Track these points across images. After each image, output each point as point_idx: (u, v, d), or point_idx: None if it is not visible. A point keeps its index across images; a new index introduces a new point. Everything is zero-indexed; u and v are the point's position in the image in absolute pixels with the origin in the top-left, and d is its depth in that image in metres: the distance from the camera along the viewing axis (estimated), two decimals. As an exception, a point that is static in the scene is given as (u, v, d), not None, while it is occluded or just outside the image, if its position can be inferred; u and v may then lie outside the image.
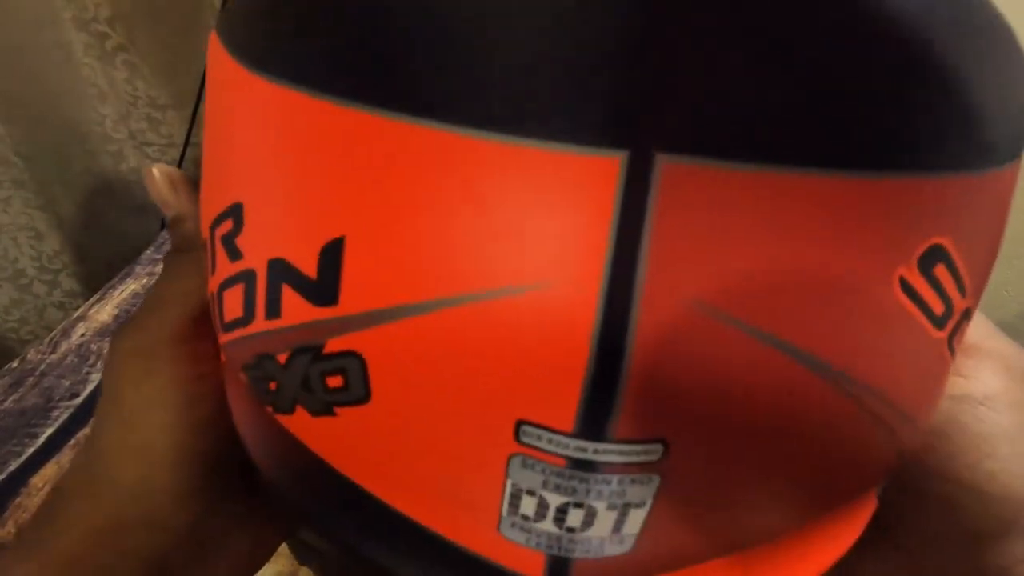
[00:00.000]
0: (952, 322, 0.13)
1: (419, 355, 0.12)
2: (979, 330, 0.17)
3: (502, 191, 0.11)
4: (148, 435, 0.17)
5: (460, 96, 0.11)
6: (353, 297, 0.12)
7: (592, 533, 0.13)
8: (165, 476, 0.17)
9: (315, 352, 0.13)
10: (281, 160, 0.13)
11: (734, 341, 0.11)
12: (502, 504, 0.13)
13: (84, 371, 0.50)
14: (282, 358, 0.13)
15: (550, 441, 0.12)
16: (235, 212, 0.14)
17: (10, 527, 0.39)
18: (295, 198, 0.13)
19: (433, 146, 0.11)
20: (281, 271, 0.13)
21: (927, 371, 0.14)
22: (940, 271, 0.13)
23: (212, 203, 0.15)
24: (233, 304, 0.14)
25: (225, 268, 0.14)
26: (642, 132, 0.10)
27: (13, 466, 0.43)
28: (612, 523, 0.13)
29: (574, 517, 0.13)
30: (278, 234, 0.13)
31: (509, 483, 0.12)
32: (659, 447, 0.12)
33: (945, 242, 0.12)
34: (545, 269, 0.11)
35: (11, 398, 0.48)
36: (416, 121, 0.11)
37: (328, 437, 0.14)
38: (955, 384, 0.16)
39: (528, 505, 0.13)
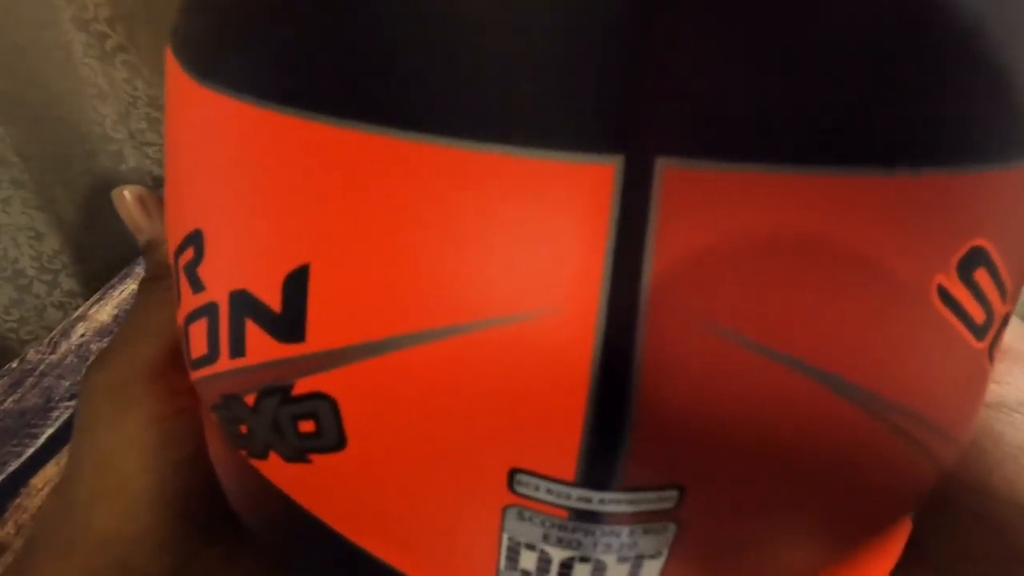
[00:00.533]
0: (993, 330, 0.12)
1: (395, 397, 0.10)
2: (1010, 332, 0.16)
3: (484, 207, 0.10)
4: (124, 477, 0.16)
5: (433, 103, 0.09)
6: (321, 333, 0.11)
7: None
8: (143, 520, 0.16)
9: (283, 394, 0.11)
10: (238, 181, 0.12)
11: (754, 367, 0.10)
12: (499, 559, 0.12)
13: (84, 371, 0.50)
14: (250, 400, 0.12)
15: (549, 491, 0.10)
16: (195, 239, 0.13)
17: (10, 528, 0.39)
18: (254, 222, 0.11)
19: (404, 160, 0.10)
20: (244, 304, 0.12)
21: (967, 385, 0.12)
22: (981, 276, 0.11)
23: (175, 230, 0.14)
24: (198, 340, 0.13)
25: (189, 300, 0.13)
26: (638, 133, 0.09)
27: (13, 466, 0.43)
28: None
29: (581, 572, 0.11)
30: (239, 263, 0.12)
31: (505, 536, 0.11)
32: (674, 493, 0.10)
33: (985, 243, 0.11)
34: (535, 295, 0.09)
35: (11, 398, 0.48)
36: (384, 132, 0.10)
37: (306, 485, 0.13)
38: (987, 391, 0.15)
39: (528, 560, 0.11)
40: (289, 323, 0.11)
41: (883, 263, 0.10)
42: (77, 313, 0.56)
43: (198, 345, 0.13)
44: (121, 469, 0.16)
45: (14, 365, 0.51)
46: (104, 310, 0.56)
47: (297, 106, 0.10)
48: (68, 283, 0.74)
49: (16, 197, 0.66)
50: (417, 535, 0.12)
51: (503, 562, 0.12)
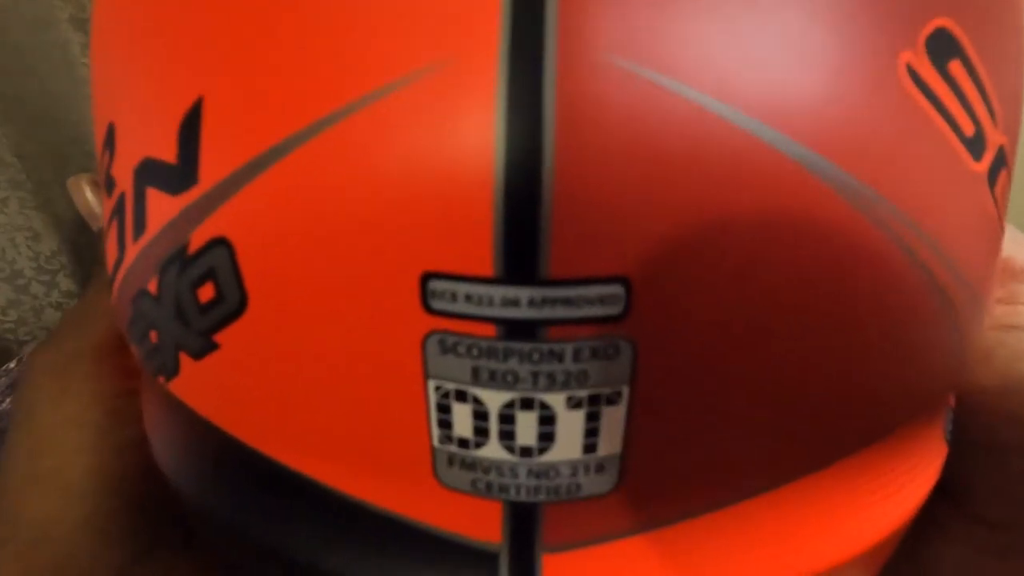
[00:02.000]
0: (989, 155, 0.10)
1: (286, 216, 0.09)
2: None
3: None
4: (61, 459, 0.14)
5: None
6: (211, 166, 0.09)
7: (556, 455, 0.09)
8: (83, 505, 0.14)
9: (181, 259, 0.10)
10: (129, 47, 0.11)
11: (682, 112, 0.08)
12: (430, 427, 0.09)
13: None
14: (153, 287, 0.11)
15: (469, 298, 0.08)
16: (109, 139, 0.12)
17: (7, 529, 0.39)
18: (147, 82, 0.10)
19: None
20: (145, 174, 0.10)
21: (970, 213, 0.10)
22: (956, 69, 0.10)
23: (98, 149, 0.13)
24: (112, 247, 0.12)
25: (107, 209, 0.12)
26: None
27: (10, 467, 0.43)
28: (581, 433, 0.09)
29: (525, 426, 0.09)
30: (140, 132, 0.11)
31: (431, 385, 0.09)
32: (620, 289, 0.08)
33: (951, 25, 0.09)
34: (426, 49, 0.08)
35: (8, 399, 0.48)
36: None
37: (220, 393, 0.11)
38: (1009, 314, 0.14)
39: (462, 419, 0.09)
40: (185, 169, 0.10)
41: (831, 17, 0.09)
42: (75, 314, 0.56)
43: (112, 252, 0.12)
44: (59, 450, 0.14)
45: (12, 366, 0.51)
46: (102, 311, 0.55)
47: None
48: (66, 283, 0.74)
49: (14, 197, 0.66)
50: (339, 426, 0.10)
51: (435, 432, 0.10)
